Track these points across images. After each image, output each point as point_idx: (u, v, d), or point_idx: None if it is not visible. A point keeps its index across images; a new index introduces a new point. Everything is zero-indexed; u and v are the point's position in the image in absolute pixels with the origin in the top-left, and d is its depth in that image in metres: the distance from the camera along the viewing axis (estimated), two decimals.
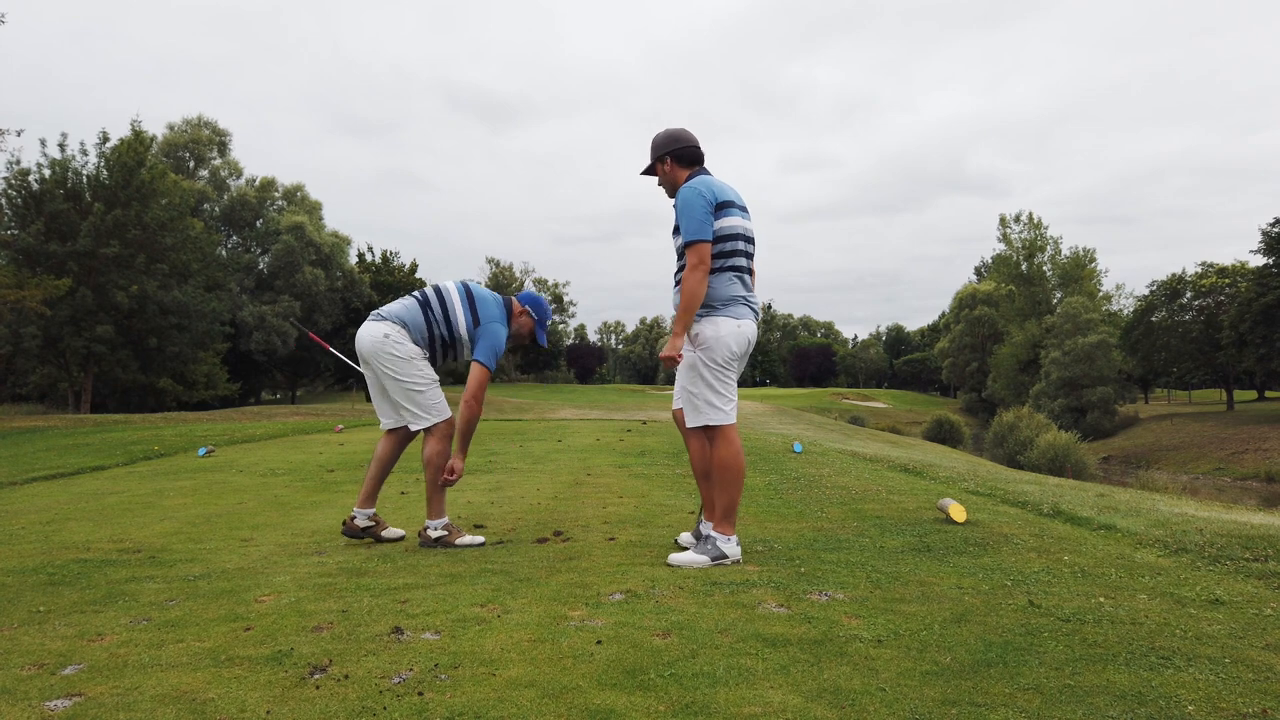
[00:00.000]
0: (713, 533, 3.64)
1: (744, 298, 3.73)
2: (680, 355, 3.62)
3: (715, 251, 3.62)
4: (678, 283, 3.73)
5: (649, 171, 3.90)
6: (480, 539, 4.15)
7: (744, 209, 3.74)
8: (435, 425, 4.18)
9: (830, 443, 14.65)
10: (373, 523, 4.27)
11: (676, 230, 3.69)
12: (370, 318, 4.27)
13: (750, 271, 3.77)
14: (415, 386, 4.16)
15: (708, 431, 3.71)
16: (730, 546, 3.61)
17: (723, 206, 3.64)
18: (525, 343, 4.48)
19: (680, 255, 3.68)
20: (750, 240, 3.74)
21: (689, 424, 3.74)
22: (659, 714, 2.00)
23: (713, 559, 3.57)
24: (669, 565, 3.57)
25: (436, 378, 4.27)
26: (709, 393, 3.65)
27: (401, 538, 4.33)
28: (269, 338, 43.36)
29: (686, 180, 3.75)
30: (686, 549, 3.83)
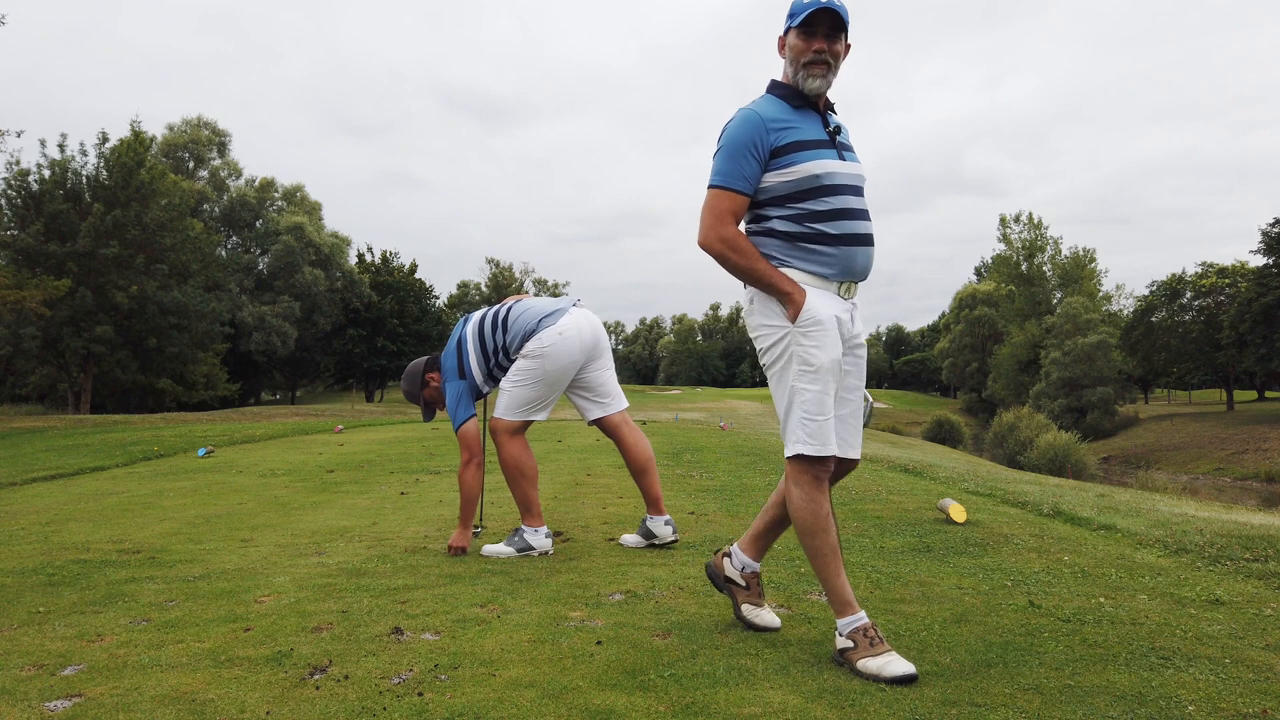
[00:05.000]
0: (521, 525, 3.91)
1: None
2: None
3: None
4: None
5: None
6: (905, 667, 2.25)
7: None
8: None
9: None
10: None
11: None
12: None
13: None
14: None
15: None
16: (538, 538, 3.86)
17: None
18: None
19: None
20: None
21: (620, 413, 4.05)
22: (659, 714, 2.00)
23: (518, 550, 3.82)
24: (483, 555, 3.83)
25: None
26: None
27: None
28: (269, 338, 43.34)
29: None
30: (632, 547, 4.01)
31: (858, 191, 2.50)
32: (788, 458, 2.44)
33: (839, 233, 2.44)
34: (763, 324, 2.48)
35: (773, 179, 2.45)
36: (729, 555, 2.78)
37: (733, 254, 2.43)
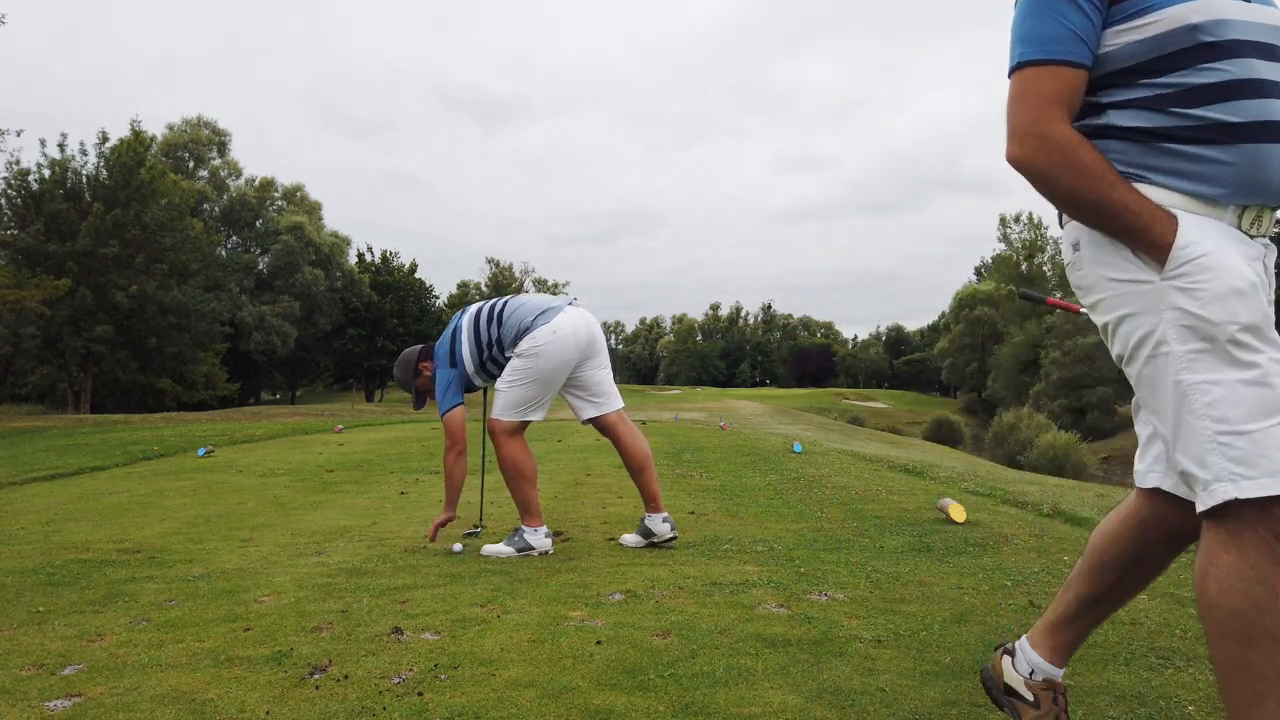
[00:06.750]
0: (521, 525, 3.91)
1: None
2: None
3: None
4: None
5: None
6: None
7: None
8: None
9: (830, 443, 14.64)
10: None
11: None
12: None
13: None
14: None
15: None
16: (537, 538, 3.86)
17: None
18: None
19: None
20: None
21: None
22: (659, 714, 2.00)
23: (518, 550, 3.82)
24: (483, 555, 3.82)
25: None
26: None
27: None
28: (269, 338, 43.37)
29: None
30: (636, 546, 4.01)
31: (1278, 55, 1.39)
32: (1209, 509, 1.31)
33: (1241, 120, 1.37)
34: (1104, 278, 1.45)
35: (1114, 39, 1.43)
36: (1011, 653, 1.84)
37: (1063, 170, 1.41)
